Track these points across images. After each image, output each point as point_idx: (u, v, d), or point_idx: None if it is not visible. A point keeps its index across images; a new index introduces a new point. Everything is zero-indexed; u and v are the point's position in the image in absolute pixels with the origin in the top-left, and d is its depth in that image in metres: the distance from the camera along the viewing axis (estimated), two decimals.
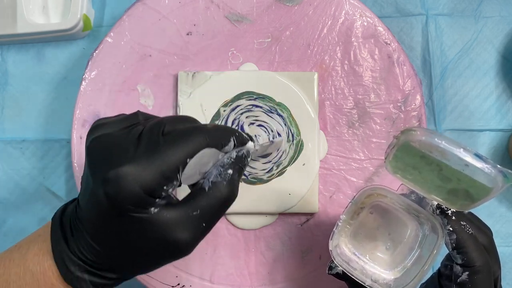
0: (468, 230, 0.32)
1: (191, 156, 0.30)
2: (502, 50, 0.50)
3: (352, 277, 0.34)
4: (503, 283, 0.50)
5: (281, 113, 0.47)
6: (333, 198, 0.47)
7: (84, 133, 0.47)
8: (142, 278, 0.47)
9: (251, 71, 0.48)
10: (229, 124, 0.47)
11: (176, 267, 0.47)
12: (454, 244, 0.32)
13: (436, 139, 0.31)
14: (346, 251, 0.37)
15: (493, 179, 0.30)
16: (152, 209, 0.29)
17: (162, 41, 0.48)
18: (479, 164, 0.30)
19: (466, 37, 0.50)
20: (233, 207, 0.46)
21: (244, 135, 0.34)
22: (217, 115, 0.47)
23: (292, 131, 0.46)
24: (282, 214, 0.47)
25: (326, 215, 0.47)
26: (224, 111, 0.47)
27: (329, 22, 0.48)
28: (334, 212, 0.47)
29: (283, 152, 0.46)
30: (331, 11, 0.48)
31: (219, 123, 0.47)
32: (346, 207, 0.36)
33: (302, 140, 0.46)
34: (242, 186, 0.46)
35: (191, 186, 0.33)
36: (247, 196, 0.46)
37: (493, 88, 0.50)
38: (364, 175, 0.47)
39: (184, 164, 0.30)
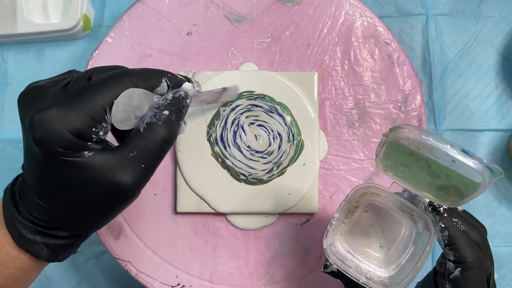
0: (460, 226, 0.33)
1: (117, 96, 0.30)
2: (502, 50, 0.50)
3: (347, 275, 0.34)
4: (503, 283, 0.50)
5: (281, 113, 0.47)
6: (333, 198, 0.47)
7: None
8: (142, 278, 0.47)
9: (251, 71, 0.48)
10: (229, 124, 0.47)
11: (176, 267, 0.47)
12: (446, 241, 0.32)
13: (423, 136, 0.31)
14: (341, 249, 0.37)
15: (480, 174, 0.30)
16: (86, 152, 0.29)
17: (162, 41, 0.48)
18: (466, 159, 0.30)
19: (466, 37, 0.50)
20: (233, 207, 0.47)
21: (179, 76, 0.34)
22: (217, 115, 0.47)
23: (292, 131, 0.46)
24: (282, 214, 0.47)
25: (326, 215, 0.47)
26: (224, 111, 0.47)
27: (329, 22, 0.48)
28: (334, 212, 0.47)
29: (283, 153, 0.46)
30: (331, 11, 0.48)
31: (219, 123, 0.47)
32: (340, 205, 0.36)
33: (302, 140, 0.46)
34: (243, 186, 0.46)
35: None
36: (248, 196, 0.46)
37: (493, 88, 0.50)
38: (364, 175, 0.47)
39: (110, 104, 0.30)
